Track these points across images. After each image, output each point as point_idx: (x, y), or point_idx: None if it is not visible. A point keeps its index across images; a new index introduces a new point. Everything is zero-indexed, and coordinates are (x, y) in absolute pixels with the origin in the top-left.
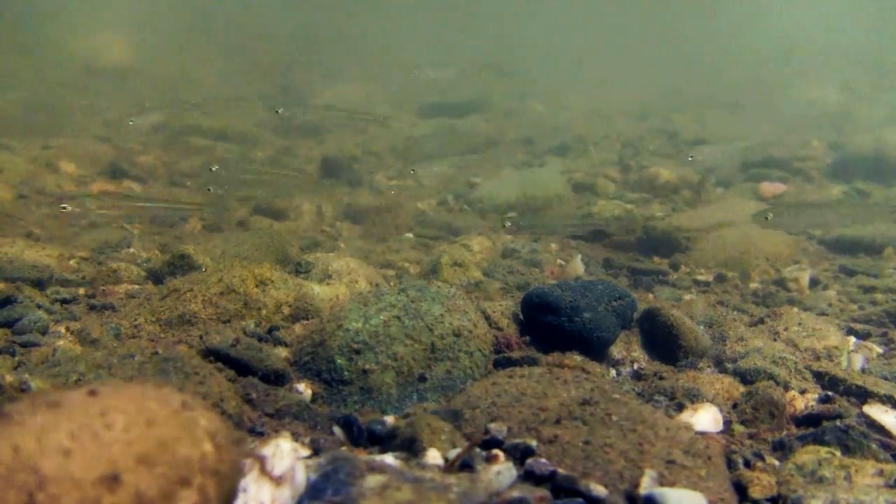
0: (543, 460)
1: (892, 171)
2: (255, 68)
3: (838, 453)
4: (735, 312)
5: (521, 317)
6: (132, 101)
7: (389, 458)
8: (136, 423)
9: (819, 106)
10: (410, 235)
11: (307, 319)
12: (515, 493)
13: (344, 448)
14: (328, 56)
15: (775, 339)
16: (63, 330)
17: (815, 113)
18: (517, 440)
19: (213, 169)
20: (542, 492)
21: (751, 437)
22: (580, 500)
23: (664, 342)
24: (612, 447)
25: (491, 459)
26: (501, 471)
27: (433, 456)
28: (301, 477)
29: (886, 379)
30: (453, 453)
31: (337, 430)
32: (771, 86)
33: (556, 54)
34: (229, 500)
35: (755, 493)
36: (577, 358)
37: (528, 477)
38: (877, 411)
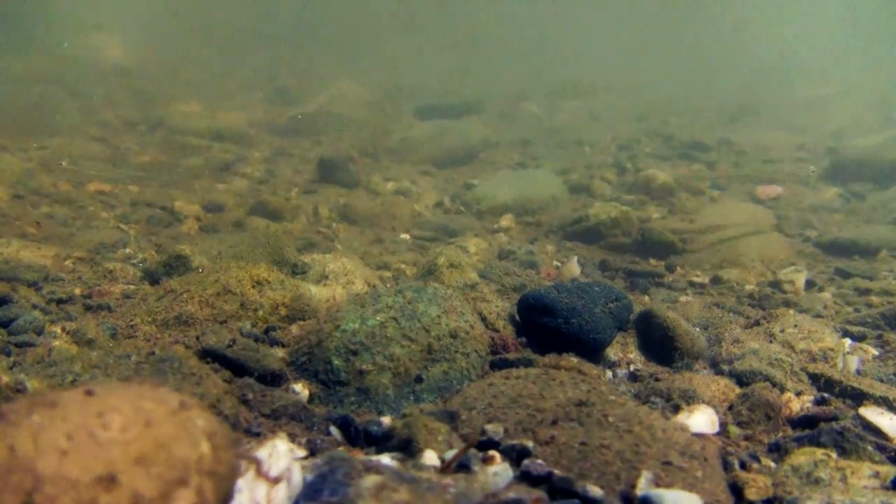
0: (540, 461)
1: (888, 174)
2: (253, 68)
3: (834, 455)
4: (731, 314)
5: (518, 318)
6: (130, 101)
7: (386, 459)
8: (133, 423)
9: (819, 107)
10: (407, 237)
11: (304, 320)
12: (512, 494)
13: (341, 449)
14: (327, 55)
15: (771, 341)
16: (59, 330)
17: (814, 114)
18: (514, 441)
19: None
20: (539, 493)
21: (747, 438)
22: (576, 501)
23: (660, 344)
24: (608, 448)
25: (487, 460)
26: (498, 472)
27: (430, 457)
28: (297, 477)
29: (882, 381)
30: (450, 454)
31: (334, 430)
32: (772, 88)
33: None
34: (226, 501)
35: (751, 494)
36: (573, 360)
37: (525, 478)
38: (872, 413)
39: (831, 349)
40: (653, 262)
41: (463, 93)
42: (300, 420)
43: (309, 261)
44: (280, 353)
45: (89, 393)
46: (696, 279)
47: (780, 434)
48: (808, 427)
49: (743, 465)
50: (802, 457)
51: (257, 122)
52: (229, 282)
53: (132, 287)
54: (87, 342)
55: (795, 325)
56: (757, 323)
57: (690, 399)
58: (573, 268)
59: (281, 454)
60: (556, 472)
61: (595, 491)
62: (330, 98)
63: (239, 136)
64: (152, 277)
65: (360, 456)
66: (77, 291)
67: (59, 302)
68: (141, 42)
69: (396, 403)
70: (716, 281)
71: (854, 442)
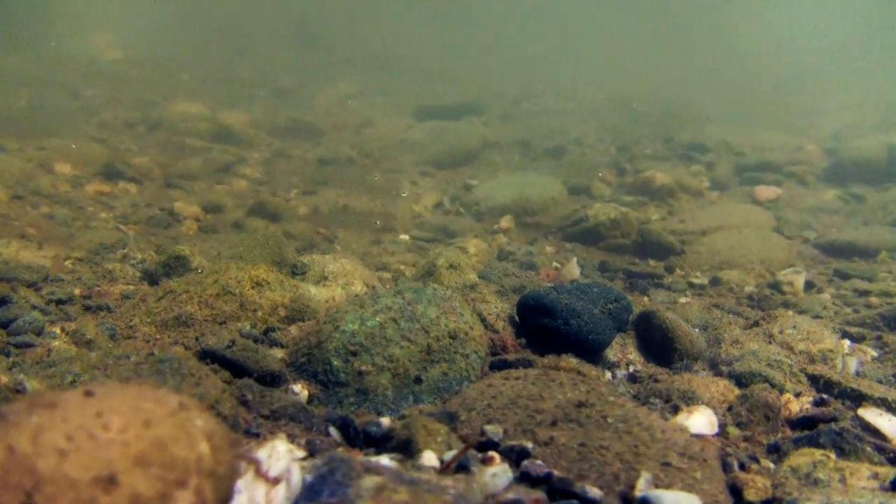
0: (539, 462)
1: (887, 175)
2: (253, 69)
3: (833, 456)
4: (730, 315)
5: (517, 319)
6: (129, 102)
7: (385, 460)
8: (132, 424)
9: (819, 108)
10: (406, 237)
11: (303, 321)
12: (511, 495)
13: (340, 449)
14: (327, 56)
15: (770, 342)
16: (58, 331)
17: (814, 115)
18: (513, 442)
19: None
20: (538, 494)
21: (746, 439)
22: (576, 502)
23: (659, 345)
24: (607, 449)
25: (487, 461)
26: (497, 473)
27: (429, 458)
28: (297, 478)
29: (881, 382)
30: (449, 455)
31: (333, 431)
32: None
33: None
34: (225, 502)
35: (750, 495)
36: (572, 360)
37: (524, 479)
38: (871, 414)
39: (830, 350)
40: (652, 263)
41: (463, 94)
42: (299, 421)
43: (308, 261)
44: (279, 353)
45: (89, 393)
46: (695, 280)
47: (780, 435)
48: (808, 428)
49: (742, 466)
50: (801, 458)
51: (257, 123)
52: (229, 282)
53: (131, 288)
54: (86, 343)
55: (794, 327)
56: (756, 324)
57: (690, 400)
58: (572, 269)
59: (280, 455)
60: (556, 472)
61: (594, 492)
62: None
63: (238, 136)
64: (152, 278)
65: (359, 457)
66: (76, 292)
67: (59, 302)
68: (140, 42)
69: (396, 404)
70: (715, 282)
71: (853, 443)
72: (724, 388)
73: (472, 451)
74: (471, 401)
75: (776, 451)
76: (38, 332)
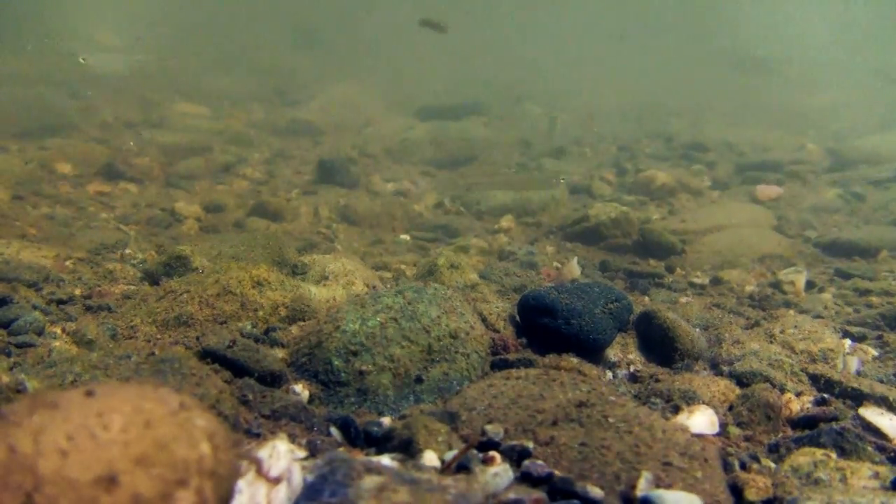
0: (540, 462)
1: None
2: (251, 69)
3: (834, 455)
4: (731, 315)
5: (518, 319)
6: (130, 102)
7: (386, 460)
8: (133, 423)
9: (814, 109)
10: (407, 237)
11: (304, 321)
12: (512, 495)
13: (341, 449)
14: (325, 55)
15: (771, 342)
16: (59, 331)
17: (814, 115)
18: (514, 442)
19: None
20: (539, 494)
21: (747, 439)
22: (576, 501)
23: (660, 345)
24: (608, 449)
25: (488, 461)
26: (498, 472)
27: (430, 458)
28: (298, 478)
29: (882, 381)
30: (450, 455)
31: (334, 431)
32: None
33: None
34: (226, 501)
35: (751, 495)
36: (573, 360)
37: (525, 479)
38: (872, 414)
39: (831, 350)
40: (653, 262)
41: (464, 95)
42: (300, 421)
43: (309, 261)
44: (280, 353)
45: (90, 393)
46: (696, 280)
47: (780, 435)
48: (808, 427)
49: (743, 466)
50: (802, 457)
51: (257, 123)
52: (229, 282)
53: (132, 288)
54: (87, 343)
55: (795, 326)
56: (757, 324)
57: (690, 400)
58: (573, 268)
59: (281, 455)
60: (557, 472)
61: (595, 492)
62: (328, 100)
63: (239, 137)
64: (152, 278)
65: (360, 457)
66: (77, 292)
67: (60, 302)
68: (141, 42)
69: (396, 404)
70: (716, 282)
71: (854, 442)
72: (724, 388)
73: (473, 451)
74: (472, 400)
75: (777, 451)
76: (39, 333)
